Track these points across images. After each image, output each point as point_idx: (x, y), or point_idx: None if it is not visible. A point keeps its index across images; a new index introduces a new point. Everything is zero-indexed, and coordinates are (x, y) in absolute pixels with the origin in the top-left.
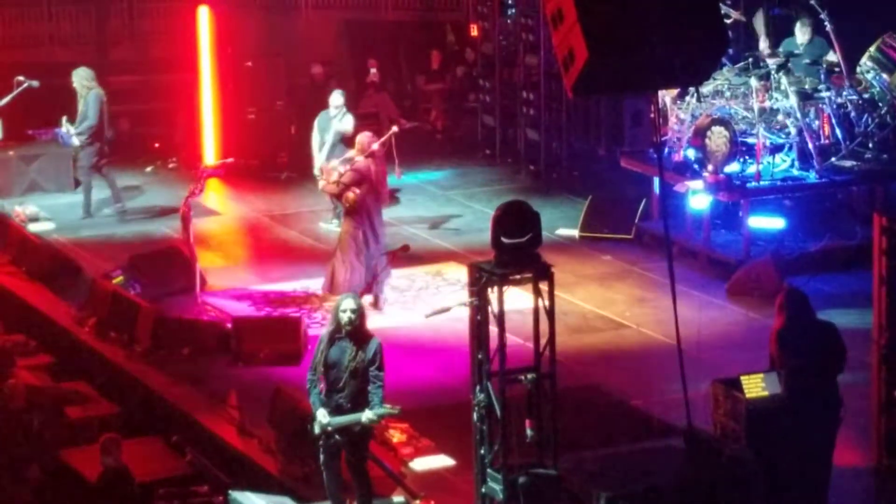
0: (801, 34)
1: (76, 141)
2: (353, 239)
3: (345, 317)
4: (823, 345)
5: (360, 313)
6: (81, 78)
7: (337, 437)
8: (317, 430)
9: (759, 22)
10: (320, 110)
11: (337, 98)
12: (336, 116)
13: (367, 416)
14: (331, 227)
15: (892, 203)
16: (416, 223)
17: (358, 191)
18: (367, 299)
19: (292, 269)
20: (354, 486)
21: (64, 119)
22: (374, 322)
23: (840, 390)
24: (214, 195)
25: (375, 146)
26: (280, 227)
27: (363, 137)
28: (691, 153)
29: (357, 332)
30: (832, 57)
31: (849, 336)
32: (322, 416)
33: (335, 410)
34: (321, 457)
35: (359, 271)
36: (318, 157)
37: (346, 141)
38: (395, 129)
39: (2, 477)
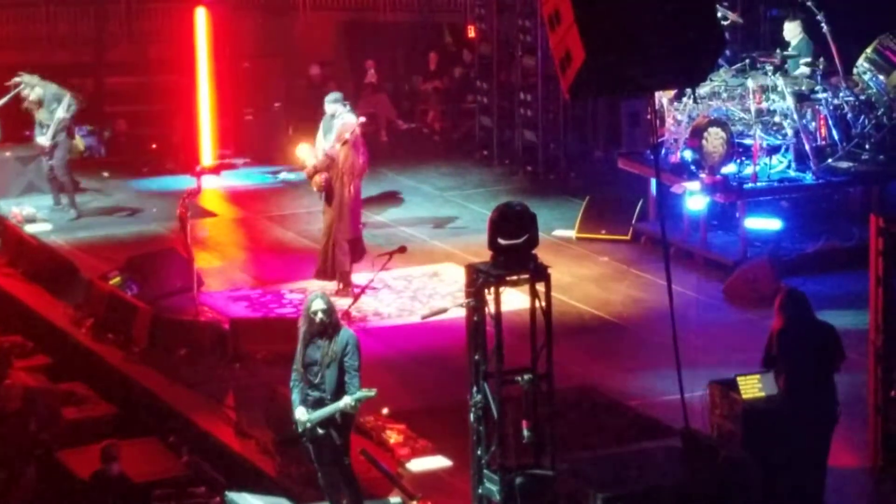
0: (790, 33)
1: (46, 141)
2: (328, 219)
3: (316, 317)
4: (822, 345)
5: (329, 311)
6: (35, 85)
7: (320, 430)
8: (299, 428)
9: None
10: (318, 111)
11: (329, 105)
12: (335, 119)
13: (345, 402)
14: None
15: (888, 204)
16: (413, 224)
17: (325, 175)
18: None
19: (289, 269)
20: (342, 484)
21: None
22: (371, 323)
23: (837, 391)
24: (211, 196)
25: (347, 135)
26: (277, 227)
27: (345, 126)
28: (688, 154)
29: (329, 329)
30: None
31: (845, 336)
32: (300, 413)
33: (318, 406)
34: (312, 455)
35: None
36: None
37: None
38: (362, 119)
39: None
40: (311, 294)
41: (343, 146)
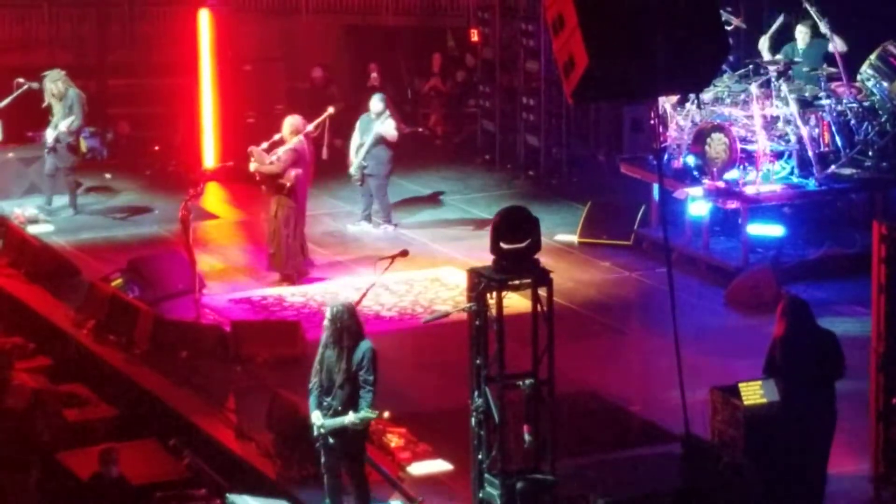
0: (801, 37)
1: (49, 140)
2: (291, 216)
3: (336, 325)
4: (823, 353)
5: (350, 320)
6: (63, 79)
7: (331, 439)
8: (315, 432)
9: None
10: (319, 114)
11: (377, 104)
12: (377, 120)
13: (349, 418)
14: (359, 228)
15: (891, 211)
16: (414, 228)
17: (300, 170)
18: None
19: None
20: (352, 491)
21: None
22: (372, 327)
23: (837, 398)
24: (213, 199)
25: (310, 127)
26: None
27: (295, 119)
28: (691, 160)
29: (349, 338)
30: (839, 46)
31: (847, 344)
32: (316, 418)
33: (330, 414)
34: (322, 460)
35: (294, 246)
36: (354, 159)
37: (386, 144)
38: (330, 110)
39: (3, 479)
40: (335, 301)
41: (305, 138)
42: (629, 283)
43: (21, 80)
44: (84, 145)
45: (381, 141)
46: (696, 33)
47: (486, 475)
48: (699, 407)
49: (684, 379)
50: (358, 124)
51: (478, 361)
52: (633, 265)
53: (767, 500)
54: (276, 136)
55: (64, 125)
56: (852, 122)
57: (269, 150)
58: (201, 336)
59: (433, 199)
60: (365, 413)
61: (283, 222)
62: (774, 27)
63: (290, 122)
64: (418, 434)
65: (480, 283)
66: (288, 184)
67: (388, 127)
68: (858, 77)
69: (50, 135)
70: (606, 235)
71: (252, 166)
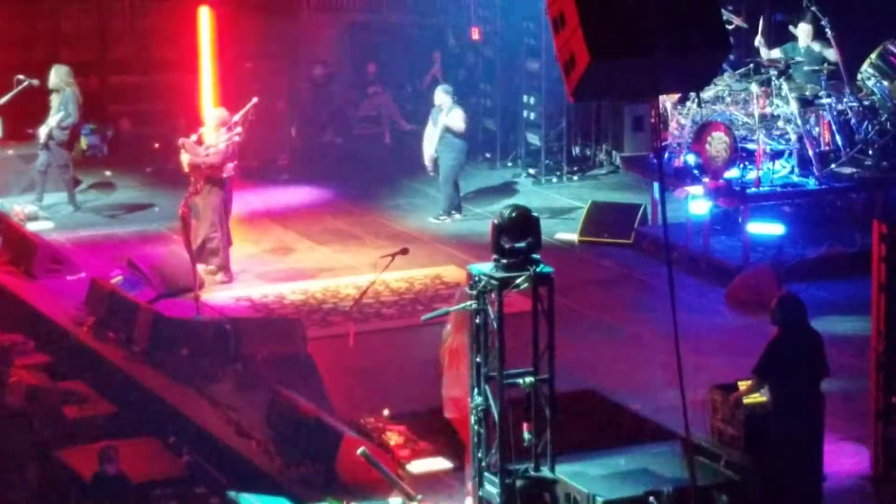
0: (803, 36)
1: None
2: (222, 207)
3: None
4: (812, 353)
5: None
6: (63, 74)
7: None
8: None
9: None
10: (320, 111)
11: (440, 96)
12: (443, 111)
13: None
14: (439, 222)
15: (891, 210)
16: (415, 226)
17: (235, 161)
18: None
19: (291, 270)
20: None
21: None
22: (372, 325)
23: (824, 399)
24: None
25: (236, 118)
26: (279, 227)
27: (221, 112)
28: (691, 158)
29: None
30: (831, 56)
31: (847, 343)
32: None
33: None
34: None
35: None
36: (427, 149)
37: (455, 134)
38: (255, 100)
39: (2, 477)
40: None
41: (230, 129)
42: (629, 282)
43: (21, 76)
44: (84, 142)
45: (449, 132)
46: (698, 32)
47: (486, 473)
48: (699, 406)
49: (684, 378)
50: (430, 117)
51: (478, 360)
52: (634, 264)
53: (767, 498)
54: (201, 130)
55: (54, 120)
56: (853, 120)
57: (198, 144)
58: (201, 333)
59: (434, 198)
60: None
61: (215, 214)
62: (762, 26)
63: (216, 114)
64: (418, 432)
65: (481, 281)
66: (226, 175)
67: (454, 118)
68: (859, 76)
69: (43, 131)
70: (607, 234)
71: (184, 158)
